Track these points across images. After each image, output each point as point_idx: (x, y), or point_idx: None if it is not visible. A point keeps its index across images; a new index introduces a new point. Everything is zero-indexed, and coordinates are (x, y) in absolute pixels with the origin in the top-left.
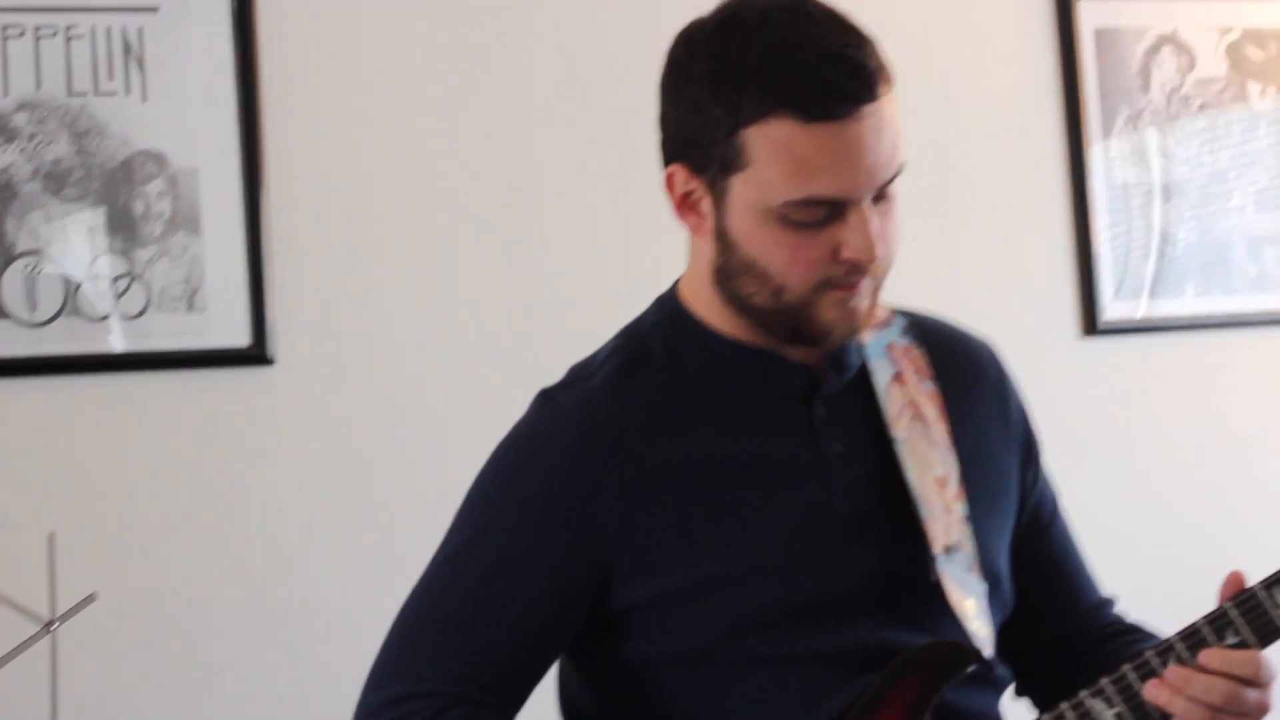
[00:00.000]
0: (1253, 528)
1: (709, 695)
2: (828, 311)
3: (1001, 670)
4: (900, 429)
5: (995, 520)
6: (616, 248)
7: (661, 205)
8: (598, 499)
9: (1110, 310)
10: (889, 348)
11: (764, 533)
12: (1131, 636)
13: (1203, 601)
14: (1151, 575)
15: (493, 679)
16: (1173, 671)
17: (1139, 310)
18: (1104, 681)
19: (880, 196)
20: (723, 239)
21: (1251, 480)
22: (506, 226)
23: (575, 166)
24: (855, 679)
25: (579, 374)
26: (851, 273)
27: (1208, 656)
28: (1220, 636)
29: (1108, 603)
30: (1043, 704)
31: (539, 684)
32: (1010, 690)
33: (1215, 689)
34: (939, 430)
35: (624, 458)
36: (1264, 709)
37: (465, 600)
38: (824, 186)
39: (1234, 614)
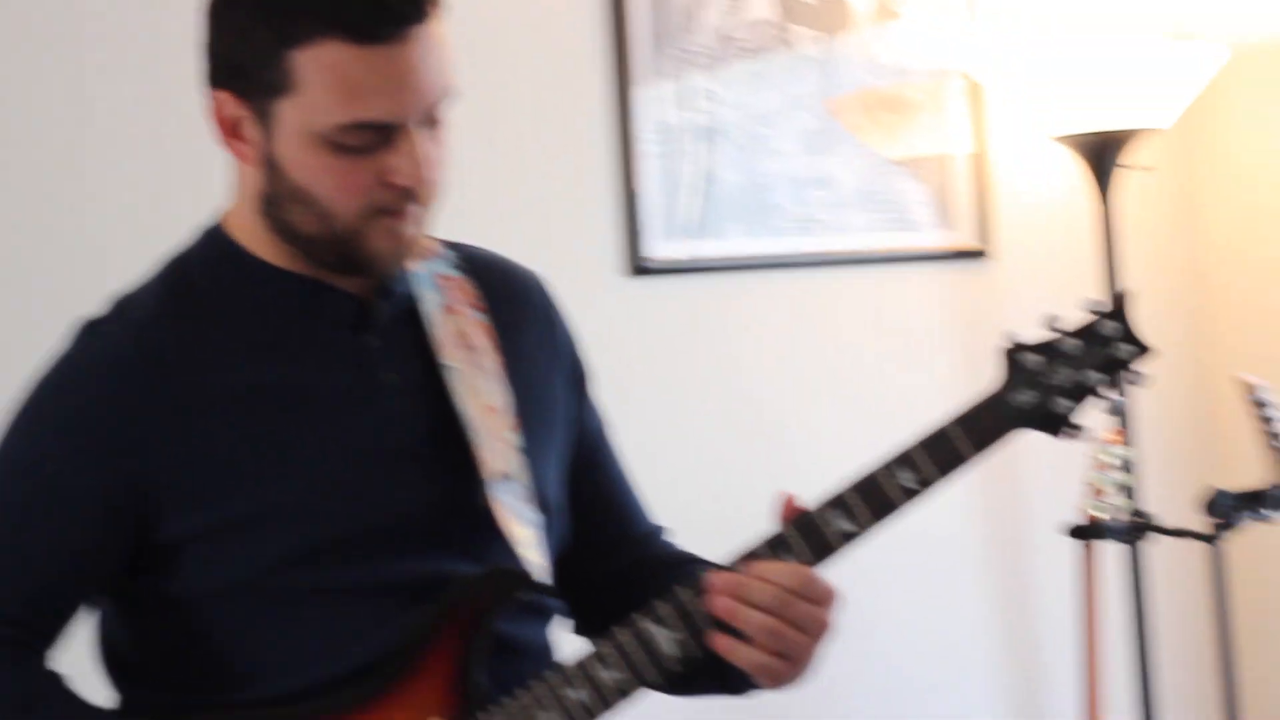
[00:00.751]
0: (789, 461)
1: (261, 630)
2: (377, 239)
3: (554, 601)
4: (452, 358)
5: (548, 450)
6: None
7: None
8: (140, 429)
9: (656, 250)
10: (437, 278)
11: (314, 463)
12: (689, 568)
13: (741, 531)
14: (695, 508)
15: (22, 611)
16: (725, 579)
17: (685, 250)
18: (658, 603)
19: (429, 122)
20: (270, 166)
21: (789, 416)
22: None
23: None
24: (409, 610)
25: (122, 305)
26: (401, 199)
27: (753, 561)
28: (777, 557)
29: (660, 531)
30: (603, 627)
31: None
32: (566, 625)
33: (767, 597)
34: (490, 360)
35: (168, 388)
36: (824, 625)
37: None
38: (373, 110)
39: (791, 535)
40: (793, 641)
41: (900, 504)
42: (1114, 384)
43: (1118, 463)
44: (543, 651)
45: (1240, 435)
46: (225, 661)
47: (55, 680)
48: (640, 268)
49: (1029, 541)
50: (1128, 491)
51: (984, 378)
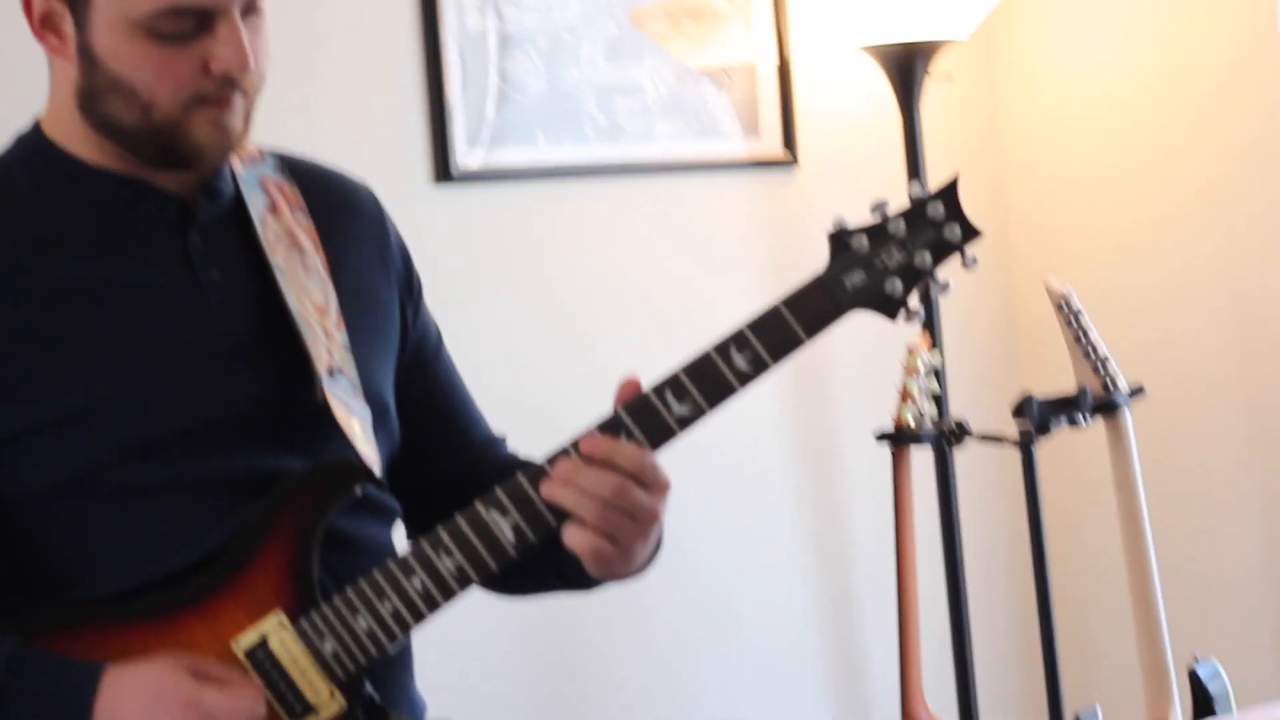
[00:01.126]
0: (596, 368)
1: (91, 528)
2: (199, 130)
3: (392, 501)
4: (278, 257)
5: (377, 351)
6: None
7: None
8: None
9: (462, 158)
10: (262, 180)
11: (138, 359)
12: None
13: (547, 438)
14: (501, 414)
15: None
16: (562, 464)
17: (491, 159)
18: (498, 489)
19: (249, 10)
20: (87, 58)
21: (596, 323)
22: None
23: None
24: (242, 506)
25: None
26: (224, 87)
27: (590, 443)
28: (614, 438)
29: (499, 440)
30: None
31: None
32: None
33: (603, 481)
34: (316, 260)
35: None
36: (655, 514)
37: None
38: None
39: (625, 417)
40: (621, 527)
41: (736, 388)
42: (940, 266)
43: (927, 369)
44: (384, 550)
45: (1045, 344)
46: (54, 561)
47: None
48: (447, 175)
49: (840, 447)
50: (936, 398)
51: (790, 285)
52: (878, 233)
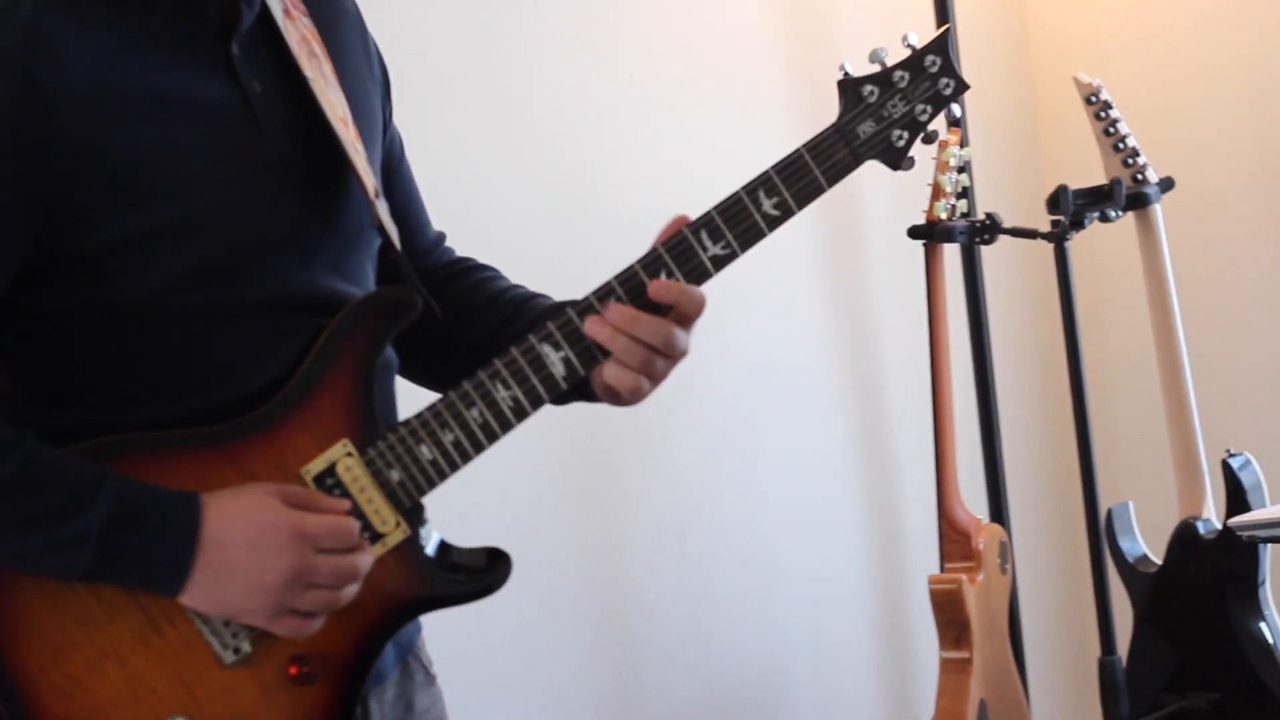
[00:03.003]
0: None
1: (157, 350)
2: None
3: None
4: (306, 67)
5: (378, 161)
6: None
7: None
8: (32, 138)
9: None
10: None
11: (204, 176)
12: (483, 274)
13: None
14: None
15: None
16: (616, 310)
17: None
18: (550, 325)
19: None
20: None
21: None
22: None
23: None
24: (301, 331)
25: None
26: None
27: (660, 288)
28: (655, 277)
29: (441, 236)
30: (415, 347)
31: None
32: None
33: (659, 330)
34: (327, 67)
35: (58, 94)
36: (686, 351)
37: None
38: None
39: (665, 256)
40: (660, 368)
41: (765, 232)
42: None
43: (957, 164)
44: (394, 366)
45: (1067, 142)
46: (121, 384)
47: None
48: None
49: (870, 245)
50: (966, 194)
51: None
52: (883, 82)
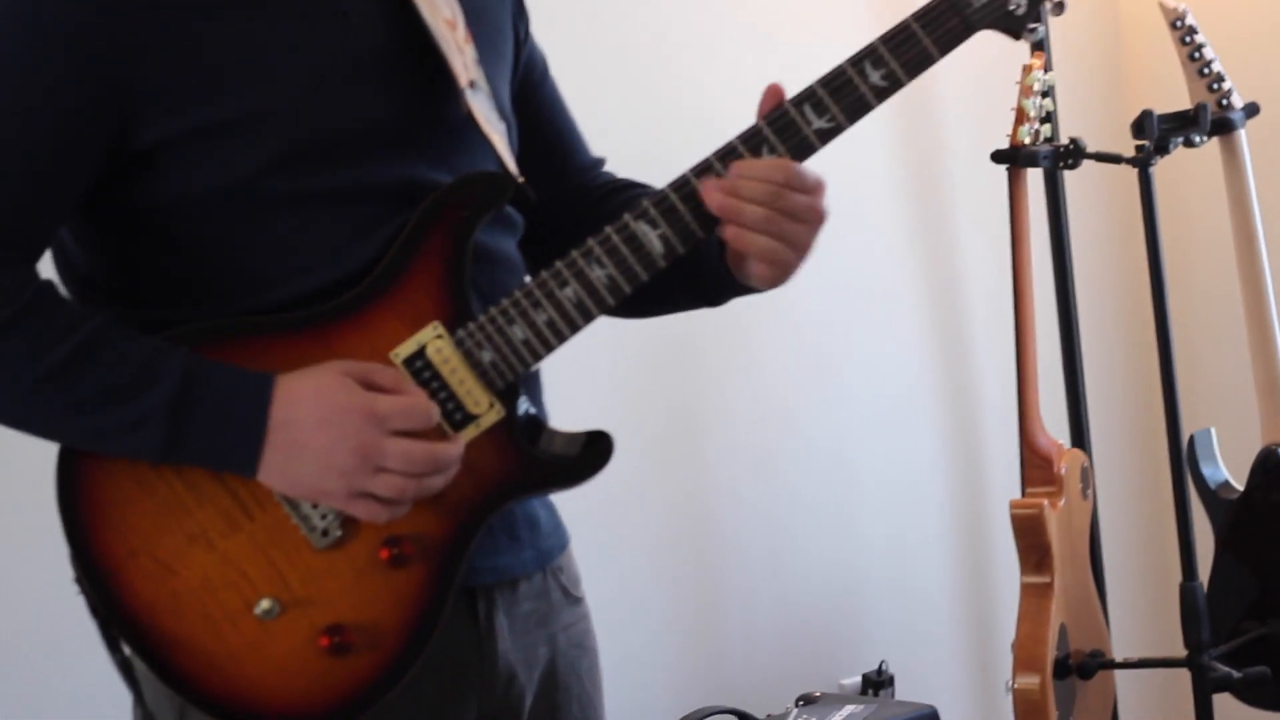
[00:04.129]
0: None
1: (246, 240)
2: None
3: (518, 214)
4: None
5: (498, 68)
6: None
7: None
8: (116, 26)
9: None
10: None
11: (289, 66)
12: (637, 190)
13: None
14: (626, 142)
15: (11, 224)
16: (716, 180)
17: None
18: (646, 203)
19: None
20: None
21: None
22: None
23: None
24: (391, 217)
25: None
26: None
27: (739, 167)
28: (756, 154)
29: (600, 161)
30: (551, 256)
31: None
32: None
33: (758, 189)
34: None
35: None
36: (818, 212)
37: None
38: None
39: (767, 131)
40: (791, 230)
41: (872, 104)
42: None
43: (1041, 88)
44: (514, 262)
45: (1152, 67)
46: (210, 274)
47: (53, 288)
48: None
49: (953, 169)
50: (1049, 118)
51: None
52: None
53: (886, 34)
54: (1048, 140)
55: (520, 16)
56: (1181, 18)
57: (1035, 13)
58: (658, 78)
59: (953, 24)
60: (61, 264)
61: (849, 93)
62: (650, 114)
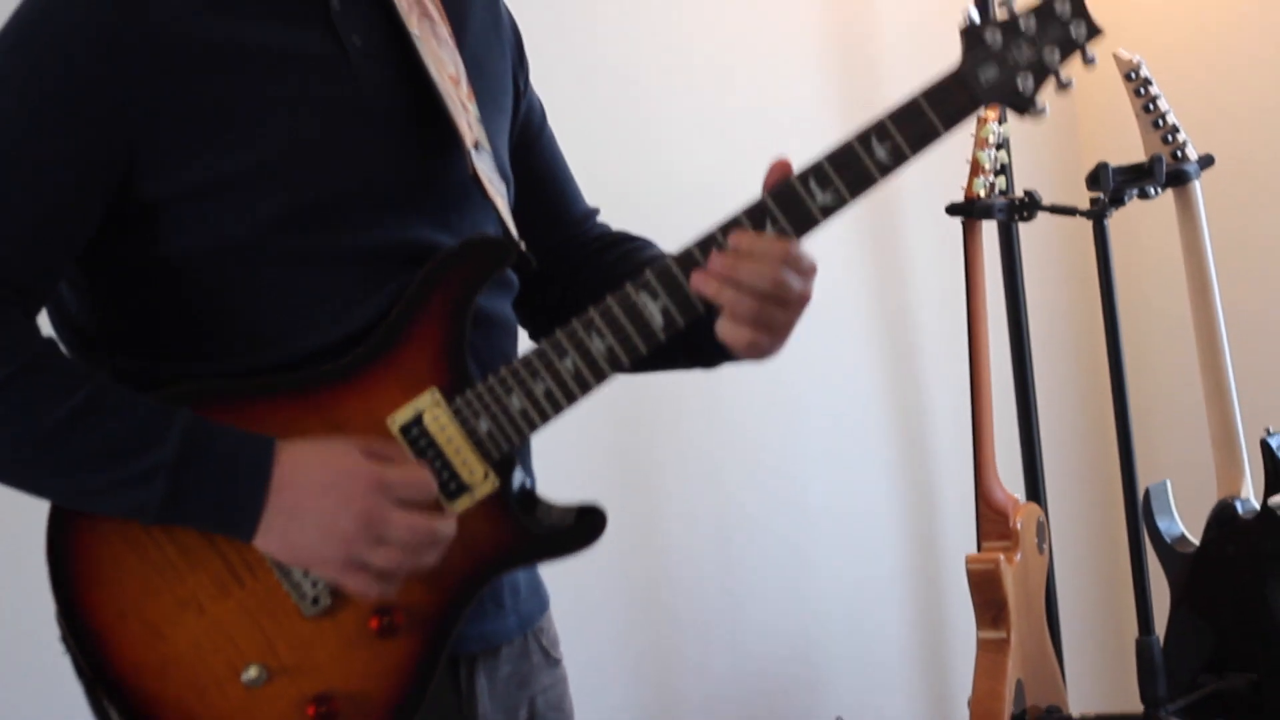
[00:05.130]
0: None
1: (246, 297)
2: None
3: (512, 276)
4: (413, 25)
5: (498, 123)
6: None
7: None
8: (124, 80)
9: None
10: None
11: (294, 124)
12: (633, 244)
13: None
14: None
15: (13, 276)
16: (717, 258)
17: None
18: (649, 274)
19: None
20: None
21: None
22: None
23: None
24: (393, 279)
25: None
26: None
27: (739, 238)
28: (759, 228)
29: (594, 211)
30: (545, 308)
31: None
32: None
33: (759, 274)
34: (443, 29)
35: (151, 38)
36: (806, 298)
37: None
38: None
39: (771, 204)
40: (778, 319)
41: (877, 178)
42: (1065, 64)
43: (996, 140)
44: (510, 326)
45: (1103, 120)
46: (210, 330)
47: (55, 346)
48: None
49: (908, 221)
50: (1003, 171)
51: (850, 51)
52: (1009, 28)
53: (893, 109)
54: (1002, 193)
55: (520, 67)
56: (1136, 69)
57: (1040, 91)
58: (639, 134)
59: (960, 100)
60: (59, 315)
61: (854, 167)
62: (632, 170)
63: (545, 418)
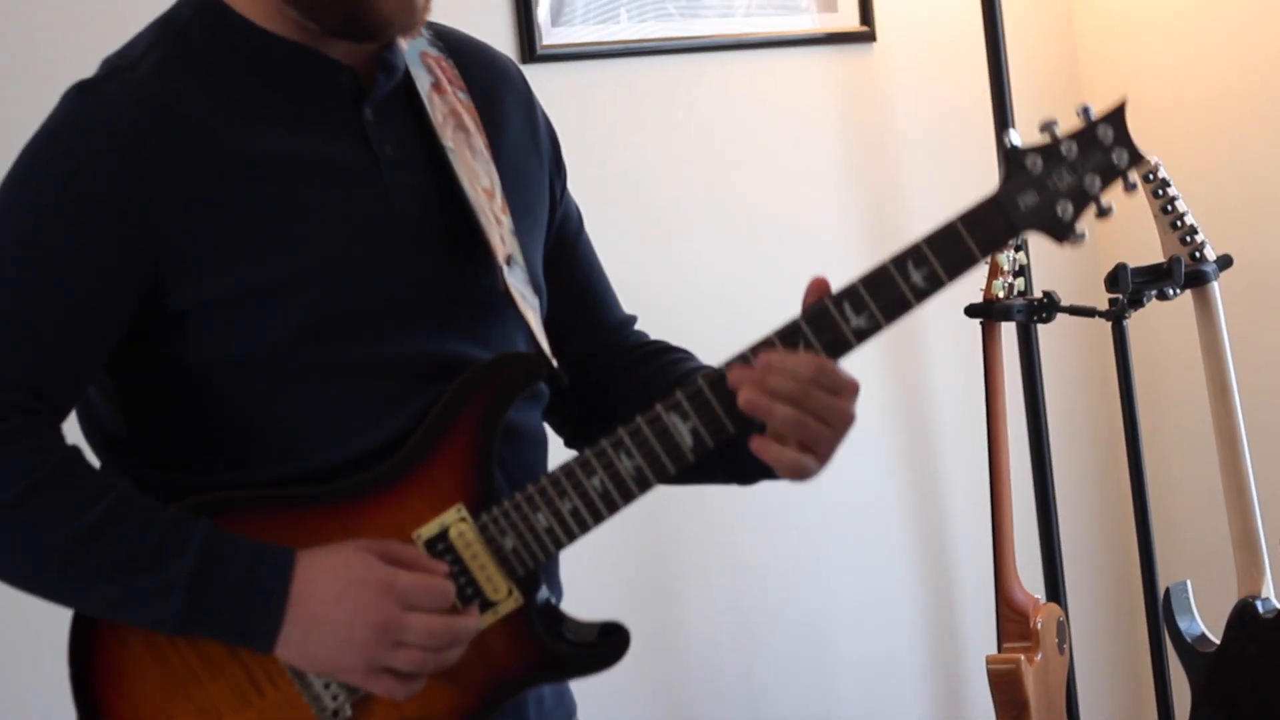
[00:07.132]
0: (671, 248)
1: (272, 408)
2: (388, 1)
3: (543, 387)
4: (447, 137)
5: (533, 234)
6: None
7: None
8: (152, 190)
9: (548, 37)
10: (424, 55)
11: (324, 234)
12: (671, 356)
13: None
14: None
15: (41, 385)
16: (744, 370)
17: (576, 36)
18: (678, 393)
19: None
20: None
21: (672, 200)
22: None
23: None
24: (421, 392)
25: (117, 65)
26: None
27: (767, 358)
28: (792, 348)
29: (631, 319)
30: (580, 418)
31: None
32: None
33: (788, 386)
34: (479, 141)
35: (179, 148)
36: (847, 416)
37: (11, 300)
38: None
39: (804, 326)
40: (816, 433)
41: (912, 304)
42: (1106, 190)
43: (1015, 242)
44: (539, 438)
45: (1127, 216)
46: (237, 439)
47: (78, 455)
48: (532, 54)
49: (927, 322)
50: (1023, 272)
51: (869, 163)
52: (1050, 154)
53: (930, 234)
54: (1021, 294)
55: (558, 174)
56: (1154, 170)
57: (1080, 218)
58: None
59: (997, 226)
60: (88, 420)
61: (889, 292)
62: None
63: (572, 536)
